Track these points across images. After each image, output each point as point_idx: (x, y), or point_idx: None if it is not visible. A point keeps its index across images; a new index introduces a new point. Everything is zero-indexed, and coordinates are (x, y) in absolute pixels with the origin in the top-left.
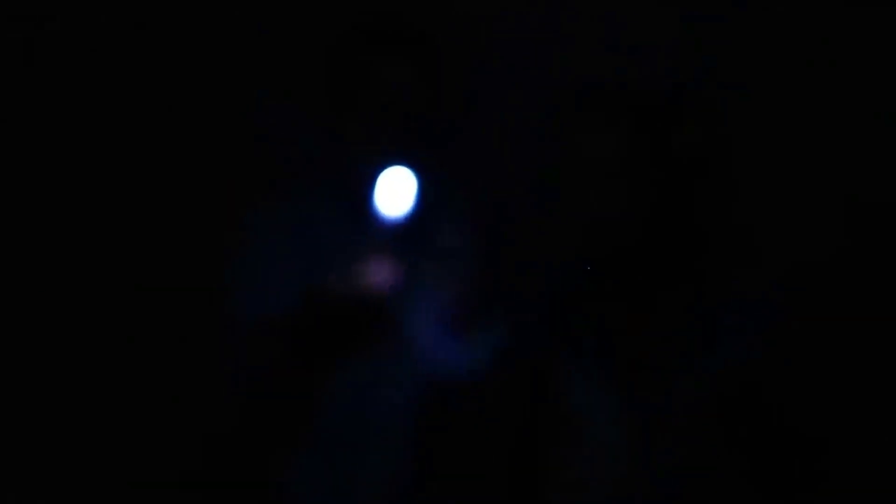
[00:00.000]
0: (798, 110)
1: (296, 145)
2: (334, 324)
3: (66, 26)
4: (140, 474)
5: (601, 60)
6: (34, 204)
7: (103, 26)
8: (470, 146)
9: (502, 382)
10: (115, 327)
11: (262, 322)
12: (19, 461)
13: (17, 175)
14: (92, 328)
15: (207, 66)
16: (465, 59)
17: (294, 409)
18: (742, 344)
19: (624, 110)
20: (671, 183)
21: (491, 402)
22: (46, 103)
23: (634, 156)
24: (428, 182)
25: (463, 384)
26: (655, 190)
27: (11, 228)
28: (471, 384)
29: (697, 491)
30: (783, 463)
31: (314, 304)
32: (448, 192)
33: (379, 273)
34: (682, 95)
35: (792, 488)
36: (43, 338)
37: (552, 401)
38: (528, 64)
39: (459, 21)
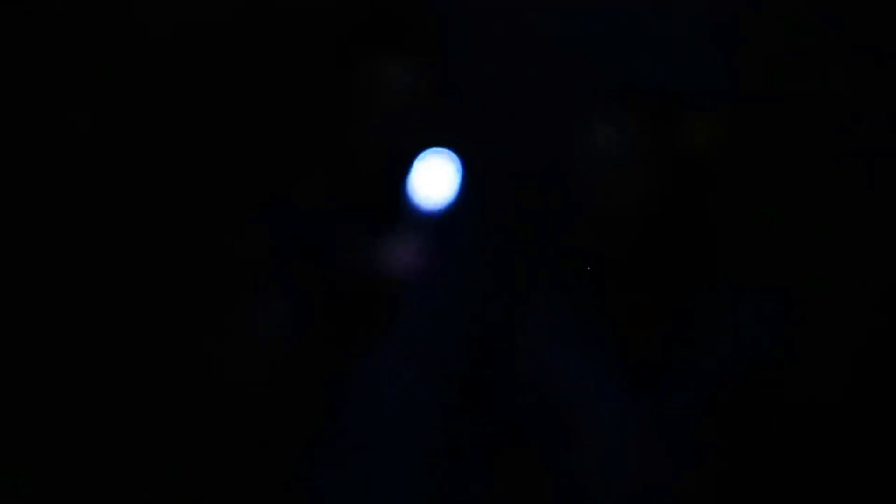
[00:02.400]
0: (809, 110)
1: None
2: (355, 316)
3: (64, 27)
4: (152, 473)
5: (614, 59)
6: (36, 208)
7: (102, 27)
8: (478, 142)
9: (506, 379)
10: (132, 327)
11: (283, 317)
12: (49, 458)
13: (24, 180)
14: (114, 327)
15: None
16: (472, 55)
17: (313, 408)
18: (747, 343)
19: (637, 109)
20: (682, 181)
21: (497, 398)
22: (47, 105)
23: (646, 154)
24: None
25: (475, 381)
26: (666, 188)
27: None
28: (480, 381)
29: (699, 489)
30: (785, 463)
31: (338, 293)
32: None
33: (404, 261)
34: (693, 94)
35: (793, 488)
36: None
37: (555, 398)
38: (537, 63)
39: (470, 16)
